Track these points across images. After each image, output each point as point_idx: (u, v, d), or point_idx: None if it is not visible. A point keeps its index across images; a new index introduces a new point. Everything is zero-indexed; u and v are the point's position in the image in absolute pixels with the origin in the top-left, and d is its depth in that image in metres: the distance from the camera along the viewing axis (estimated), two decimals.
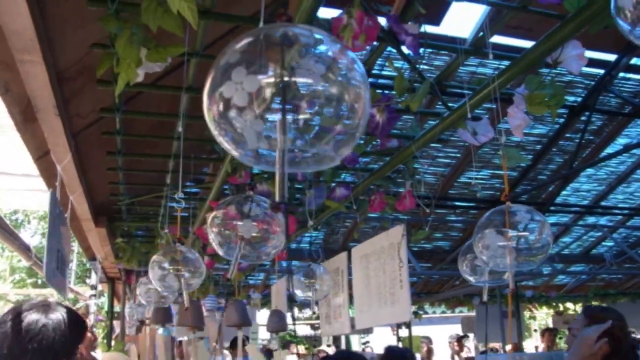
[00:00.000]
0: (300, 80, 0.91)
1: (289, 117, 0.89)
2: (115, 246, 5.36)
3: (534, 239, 1.92)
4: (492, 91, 2.00)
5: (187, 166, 3.17)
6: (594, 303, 11.77)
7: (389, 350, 3.59)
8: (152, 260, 2.57)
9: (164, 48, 1.85)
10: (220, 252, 1.99)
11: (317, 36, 0.96)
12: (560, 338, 11.65)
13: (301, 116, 0.90)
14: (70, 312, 1.94)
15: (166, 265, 2.50)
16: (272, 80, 0.90)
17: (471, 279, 2.50)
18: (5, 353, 1.77)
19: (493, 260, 1.94)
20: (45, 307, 1.89)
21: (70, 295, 10.57)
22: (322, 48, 0.96)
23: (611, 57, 4.64)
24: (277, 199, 0.88)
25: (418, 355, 12.19)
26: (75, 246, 7.94)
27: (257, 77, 0.91)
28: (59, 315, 1.88)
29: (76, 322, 1.93)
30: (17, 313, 1.86)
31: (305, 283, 3.02)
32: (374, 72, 2.91)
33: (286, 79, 0.90)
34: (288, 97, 0.89)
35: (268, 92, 0.90)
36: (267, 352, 9.65)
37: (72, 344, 1.88)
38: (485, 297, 2.51)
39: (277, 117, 0.91)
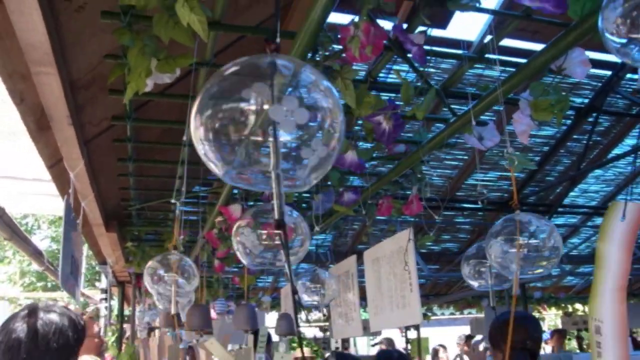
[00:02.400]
0: (284, 108, 0.95)
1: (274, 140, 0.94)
2: (126, 250, 5.41)
3: (543, 245, 1.97)
4: (496, 98, 2.03)
5: (196, 172, 3.21)
6: None
7: (380, 353, 3.68)
8: (147, 266, 2.61)
9: (174, 59, 1.89)
10: (245, 261, 2.03)
11: (301, 67, 1.02)
12: (570, 339, 11.62)
13: (285, 142, 0.95)
14: (72, 312, 2.02)
15: (161, 271, 2.55)
16: (258, 107, 0.95)
17: (474, 283, 2.54)
18: (25, 357, 1.81)
19: (503, 266, 1.99)
20: (51, 308, 1.96)
21: (81, 299, 10.65)
22: (305, 77, 1.01)
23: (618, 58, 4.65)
24: (276, 217, 0.93)
25: (428, 357, 12.19)
26: (85, 250, 8.00)
27: (243, 105, 0.96)
28: (70, 315, 1.97)
29: (78, 321, 2.00)
30: (28, 315, 1.91)
31: (311, 288, 3.04)
32: (379, 78, 2.95)
33: (272, 106, 0.94)
34: (272, 123, 0.94)
35: (254, 119, 0.95)
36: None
37: (80, 341, 1.96)
38: (492, 302, 2.56)
39: (264, 141, 0.95)
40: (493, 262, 2.04)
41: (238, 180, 1.03)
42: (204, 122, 0.98)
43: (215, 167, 1.03)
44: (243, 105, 0.96)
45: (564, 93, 2.03)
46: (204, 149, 1.00)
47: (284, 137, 0.95)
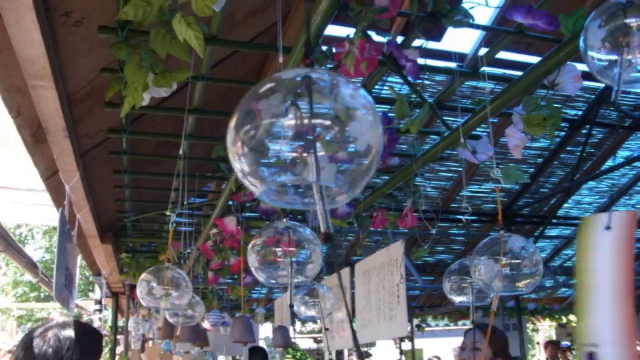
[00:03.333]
0: (323, 122, 0.96)
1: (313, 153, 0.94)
2: (120, 261, 5.41)
3: (525, 265, 2.00)
4: (488, 114, 2.06)
5: (192, 184, 3.22)
6: None
7: None
8: (140, 279, 2.62)
9: (170, 73, 1.91)
10: (261, 279, 2.04)
11: (336, 80, 1.01)
12: (564, 352, 11.61)
13: (324, 157, 0.95)
14: (88, 325, 2.02)
15: (154, 284, 2.55)
16: (297, 121, 0.95)
17: (456, 299, 2.59)
18: None
19: (486, 284, 2.03)
20: (66, 324, 1.95)
21: (75, 311, 10.59)
22: (343, 90, 1.01)
23: None
24: (322, 230, 0.94)
25: None
26: (79, 260, 7.98)
27: (282, 120, 0.96)
28: (86, 327, 1.97)
29: (95, 332, 2.00)
30: (44, 332, 1.91)
31: (309, 302, 3.06)
32: (373, 92, 2.97)
33: (311, 120, 0.95)
34: (312, 137, 0.94)
35: (293, 132, 0.95)
36: None
37: (99, 352, 1.97)
38: (472, 317, 2.64)
39: (303, 154, 0.95)
40: (476, 279, 2.08)
41: (276, 198, 1.03)
42: (241, 138, 0.98)
43: (253, 185, 1.02)
44: (281, 120, 0.96)
45: (557, 105, 2.05)
46: (240, 166, 1.00)
47: (323, 151, 0.94)
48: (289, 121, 0.95)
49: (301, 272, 1.96)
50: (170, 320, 3.85)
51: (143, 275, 2.61)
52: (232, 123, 0.99)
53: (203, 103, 2.62)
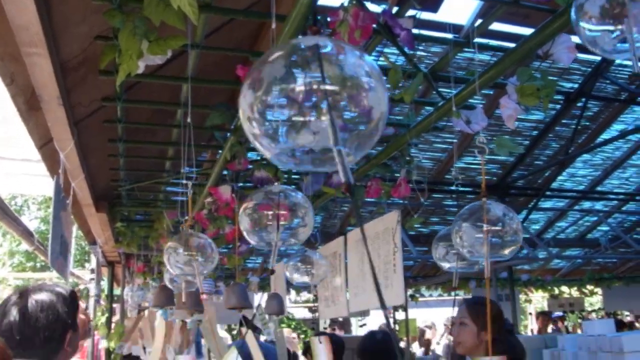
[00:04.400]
0: (333, 86, 0.99)
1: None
2: (116, 230, 5.43)
3: (507, 232, 2.03)
4: (482, 83, 2.06)
5: (187, 153, 3.23)
6: (589, 287, 11.92)
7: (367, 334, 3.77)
8: (167, 246, 2.63)
9: (165, 41, 1.90)
10: (252, 241, 2.07)
11: (343, 47, 1.05)
12: (555, 322, 11.77)
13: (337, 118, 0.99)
14: (62, 287, 2.09)
15: (180, 250, 2.56)
16: (308, 86, 0.98)
17: (444, 265, 2.62)
18: (18, 339, 1.86)
19: (470, 250, 2.06)
20: (40, 287, 2.01)
21: (71, 280, 10.66)
22: (350, 57, 1.04)
23: None
24: (342, 179, 0.97)
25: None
26: (75, 230, 8.01)
27: (294, 84, 0.99)
28: (59, 290, 2.05)
29: (69, 294, 2.07)
30: (19, 298, 1.96)
31: (302, 268, 3.08)
32: None
33: (321, 85, 0.98)
34: (325, 101, 0.97)
35: (304, 96, 0.98)
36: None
37: (73, 314, 2.05)
38: (455, 283, 2.66)
39: (313, 118, 0.98)
40: (459, 247, 2.11)
41: (289, 161, 1.05)
42: (253, 102, 1.01)
43: (266, 149, 1.05)
44: (292, 85, 0.99)
45: (553, 78, 2.06)
46: (252, 129, 1.03)
47: (337, 113, 0.97)
48: (300, 86, 0.98)
49: (293, 236, 1.99)
50: (170, 286, 3.88)
51: (170, 243, 2.63)
52: (245, 87, 1.03)
53: (198, 71, 2.61)
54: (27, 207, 19.95)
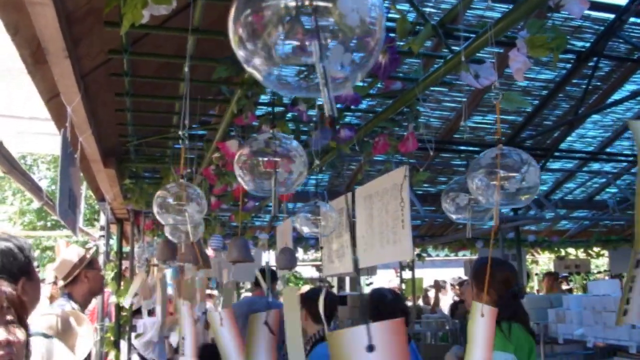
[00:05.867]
0: (326, 4, 0.96)
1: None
2: (124, 187, 5.45)
3: (522, 179, 1.98)
4: (491, 37, 2.03)
5: (194, 108, 3.21)
6: (595, 249, 11.95)
7: (374, 292, 3.80)
8: (156, 196, 2.64)
9: None
10: (248, 188, 2.09)
11: None
12: (561, 282, 11.84)
13: (327, 38, 0.96)
14: (17, 239, 2.21)
15: (170, 200, 2.58)
16: (299, 4, 0.95)
17: (454, 216, 2.60)
18: None
19: (483, 197, 2.02)
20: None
21: (80, 237, 10.77)
22: None
23: (622, 1, 4.58)
24: (326, 113, 0.95)
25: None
26: (84, 189, 8.06)
27: (284, 3, 0.96)
28: (15, 241, 2.17)
29: (24, 245, 2.18)
30: None
31: (311, 220, 3.08)
32: None
33: (314, 2, 0.95)
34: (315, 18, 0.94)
35: (295, 16, 0.96)
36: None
37: (29, 262, 2.16)
38: (469, 234, 2.64)
39: (306, 38, 0.96)
40: (474, 194, 2.06)
41: (280, 85, 1.05)
42: (242, 24, 0.99)
43: (256, 70, 1.04)
44: (284, 4, 0.96)
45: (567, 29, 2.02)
46: (243, 53, 1.01)
47: (326, 32, 0.95)
48: (291, 3, 0.96)
49: (287, 183, 2.01)
50: (172, 238, 3.91)
51: (159, 192, 2.64)
52: (234, 8, 1.01)
53: (206, 24, 2.59)
54: (36, 167, 20.07)
